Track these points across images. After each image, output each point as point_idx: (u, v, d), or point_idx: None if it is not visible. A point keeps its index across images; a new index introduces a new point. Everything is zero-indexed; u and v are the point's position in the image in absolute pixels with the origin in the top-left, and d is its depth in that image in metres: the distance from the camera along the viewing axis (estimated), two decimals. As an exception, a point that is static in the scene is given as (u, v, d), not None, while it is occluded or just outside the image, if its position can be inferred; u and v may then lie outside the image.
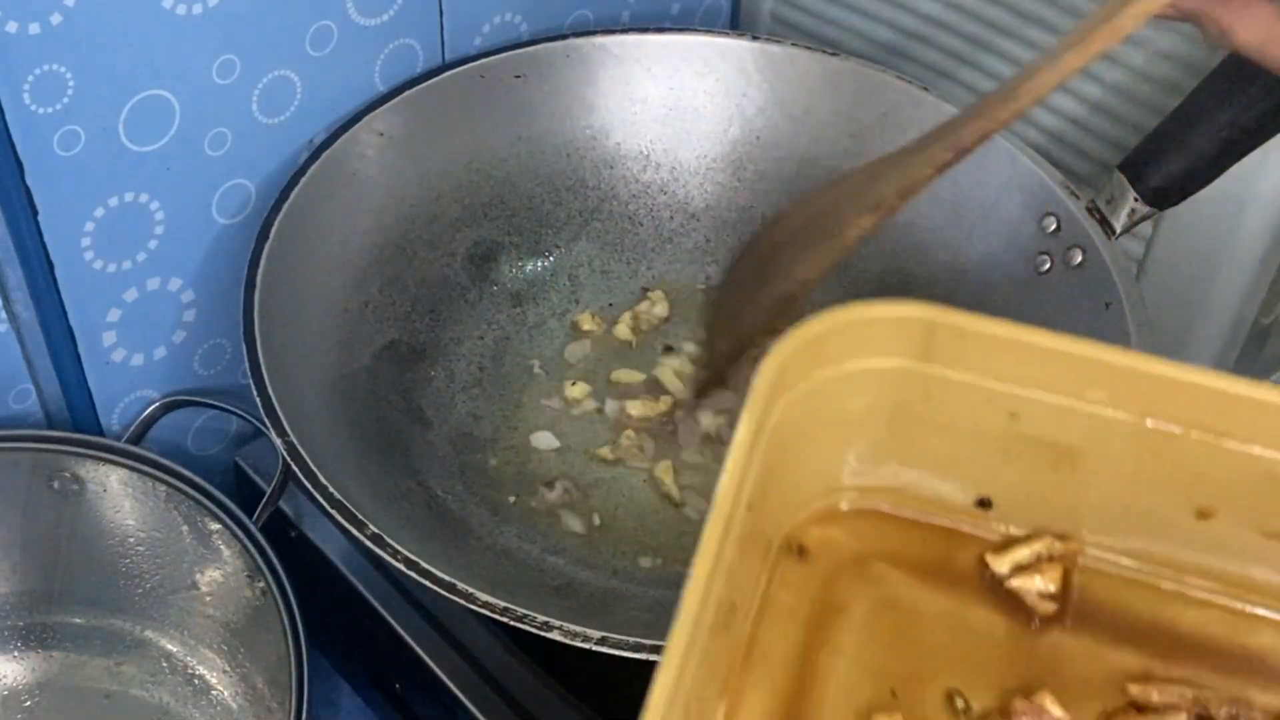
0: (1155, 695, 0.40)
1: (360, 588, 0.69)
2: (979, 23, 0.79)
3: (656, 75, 0.78)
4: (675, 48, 0.78)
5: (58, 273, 0.66)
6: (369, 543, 0.56)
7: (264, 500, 0.67)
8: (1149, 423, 0.40)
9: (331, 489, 0.57)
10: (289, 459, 0.58)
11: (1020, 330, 0.40)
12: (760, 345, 0.67)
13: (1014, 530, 0.44)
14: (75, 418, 0.72)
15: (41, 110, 0.61)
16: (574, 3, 0.80)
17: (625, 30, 0.78)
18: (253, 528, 0.66)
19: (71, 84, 0.61)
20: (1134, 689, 0.41)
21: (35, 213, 0.63)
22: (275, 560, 0.65)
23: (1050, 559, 0.43)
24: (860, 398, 0.42)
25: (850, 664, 0.41)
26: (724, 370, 0.70)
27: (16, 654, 0.72)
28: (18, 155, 0.61)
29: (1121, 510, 0.43)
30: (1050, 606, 0.43)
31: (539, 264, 0.78)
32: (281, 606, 0.63)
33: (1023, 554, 0.43)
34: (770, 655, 0.41)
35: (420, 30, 0.73)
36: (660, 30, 0.78)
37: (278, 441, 0.59)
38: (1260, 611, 0.43)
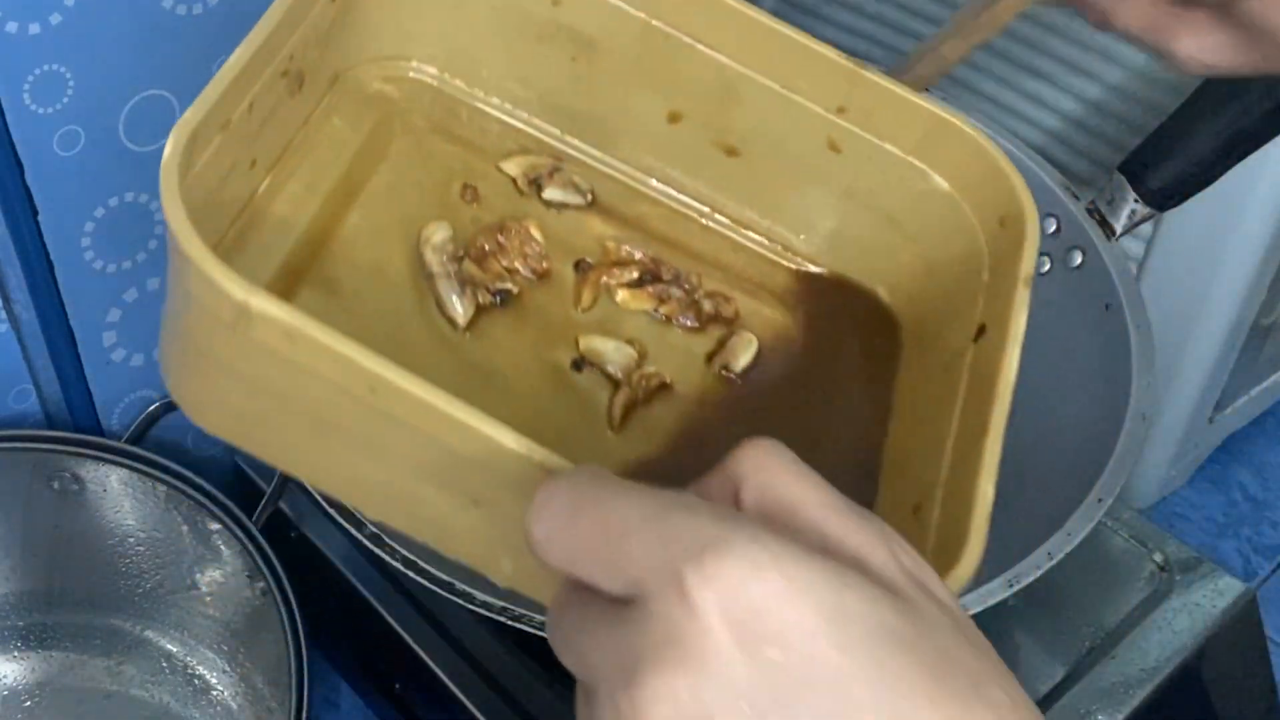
0: (625, 251, 0.48)
1: (360, 588, 0.69)
2: (979, 23, 0.79)
3: (656, 74, 0.78)
4: (675, 47, 0.78)
5: (58, 273, 0.66)
6: (369, 543, 0.56)
7: (264, 500, 0.68)
8: (654, 22, 0.47)
9: (331, 489, 0.57)
10: (289, 459, 0.58)
11: None
12: None
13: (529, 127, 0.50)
14: (75, 418, 0.72)
15: (41, 110, 0.61)
16: (574, 2, 0.80)
17: (625, 30, 0.78)
18: (253, 528, 0.66)
19: (71, 84, 0.61)
20: (610, 244, 0.48)
21: (35, 213, 0.63)
22: (275, 560, 0.65)
23: (549, 170, 0.50)
24: None
25: (383, 191, 0.46)
26: None
27: (16, 654, 0.72)
28: (18, 155, 0.61)
29: (615, 110, 0.50)
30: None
31: (539, 264, 0.78)
32: (281, 606, 0.63)
33: (524, 163, 0.49)
34: (318, 163, 0.45)
35: (420, 30, 0.73)
36: (660, 30, 0.78)
37: (278, 442, 0.59)
38: (695, 216, 0.50)
